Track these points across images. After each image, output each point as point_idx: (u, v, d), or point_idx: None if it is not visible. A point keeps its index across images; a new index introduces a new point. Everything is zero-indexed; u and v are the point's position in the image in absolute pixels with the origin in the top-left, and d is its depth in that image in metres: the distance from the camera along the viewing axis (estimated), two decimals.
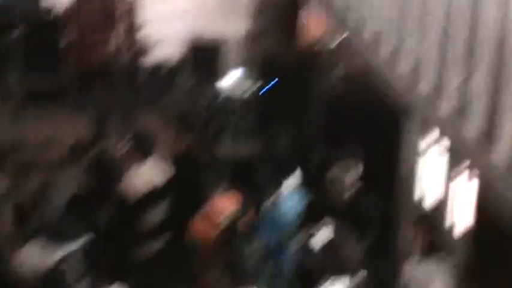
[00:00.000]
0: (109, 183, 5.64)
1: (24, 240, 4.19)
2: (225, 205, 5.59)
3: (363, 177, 5.77)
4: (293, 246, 5.62)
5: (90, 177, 5.57)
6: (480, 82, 4.05)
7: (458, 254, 5.83)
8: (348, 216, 5.41)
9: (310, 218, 5.61)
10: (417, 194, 6.40)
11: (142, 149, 6.02)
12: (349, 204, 5.66)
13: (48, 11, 8.64)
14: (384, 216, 5.79)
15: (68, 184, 5.14)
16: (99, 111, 7.57)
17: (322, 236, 5.10)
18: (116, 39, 8.49)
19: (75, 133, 7.18)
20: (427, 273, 4.98)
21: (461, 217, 5.80)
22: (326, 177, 5.82)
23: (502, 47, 3.93)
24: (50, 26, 8.49)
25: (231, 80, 8.84)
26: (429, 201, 6.35)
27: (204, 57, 9.03)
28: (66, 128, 7.52)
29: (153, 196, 5.83)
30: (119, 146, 6.13)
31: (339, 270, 4.50)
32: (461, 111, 4.31)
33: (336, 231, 5.15)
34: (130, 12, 8.46)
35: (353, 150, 5.85)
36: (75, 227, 4.55)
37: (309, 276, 4.90)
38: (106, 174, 5.73)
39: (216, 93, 8.72)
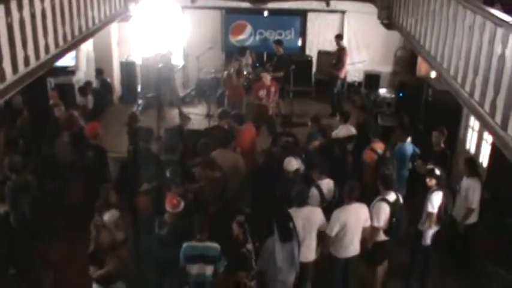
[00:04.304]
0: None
1: None
2: (379, 146, 8.24)
3: (445, 139, 8.20)
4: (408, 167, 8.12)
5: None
6: None
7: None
8: (440, 157, 8.03)
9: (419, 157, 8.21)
10: (466, 147, 9.71)
11: (345, 118, 9.47)
12: (441, 151, 8.20)
13: (306, 55, 14.41)
14: (450, 157, 8.41)
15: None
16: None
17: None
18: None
19: (316, 109, 12.16)
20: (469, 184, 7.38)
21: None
22: (427, 138, 8.20)
23: None
24: (307, 63, 14.24)
25: (383, 91, 13.07)
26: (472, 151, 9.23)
27: (372, 80, 13.81)
28: (311, 107, 13.04)
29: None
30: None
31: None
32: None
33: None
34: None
35: (441, 126, 8.22)
36: None
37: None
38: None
39: (377, 95, 12.84)
